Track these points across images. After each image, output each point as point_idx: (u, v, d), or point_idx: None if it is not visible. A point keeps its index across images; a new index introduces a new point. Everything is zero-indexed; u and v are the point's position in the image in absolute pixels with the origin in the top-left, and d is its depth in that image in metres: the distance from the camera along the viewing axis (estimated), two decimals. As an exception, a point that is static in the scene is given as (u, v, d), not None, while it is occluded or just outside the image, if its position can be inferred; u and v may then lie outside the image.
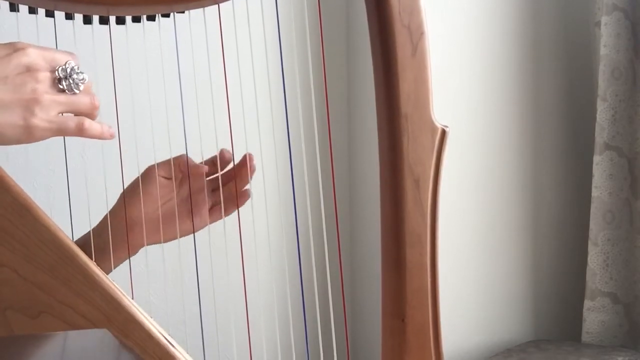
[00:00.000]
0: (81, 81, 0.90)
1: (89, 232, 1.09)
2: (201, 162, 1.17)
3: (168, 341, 0.99)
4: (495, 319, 2.06)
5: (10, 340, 0.82)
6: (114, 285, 0.98)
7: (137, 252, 1.13)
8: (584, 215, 2.03)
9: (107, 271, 1.07)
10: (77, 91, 0.90)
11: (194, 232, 1.15)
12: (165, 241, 1.14)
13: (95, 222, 1.10)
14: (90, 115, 0.92)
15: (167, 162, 1.15)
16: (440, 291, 0.98)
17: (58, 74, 0.89)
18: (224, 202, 1.15)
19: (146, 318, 0.98)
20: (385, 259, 0.97)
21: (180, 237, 1.14)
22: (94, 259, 1.00)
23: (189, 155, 1.14)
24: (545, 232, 2.12)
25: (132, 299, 1.00)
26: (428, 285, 0.97)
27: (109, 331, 0.91)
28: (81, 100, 0.91)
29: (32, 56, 0.88)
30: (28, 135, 0.87)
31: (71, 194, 1.04)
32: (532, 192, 2.09)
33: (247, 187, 1.16)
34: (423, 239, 0.97)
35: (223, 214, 1.15)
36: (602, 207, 1.96)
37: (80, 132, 0.90)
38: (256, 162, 1.15)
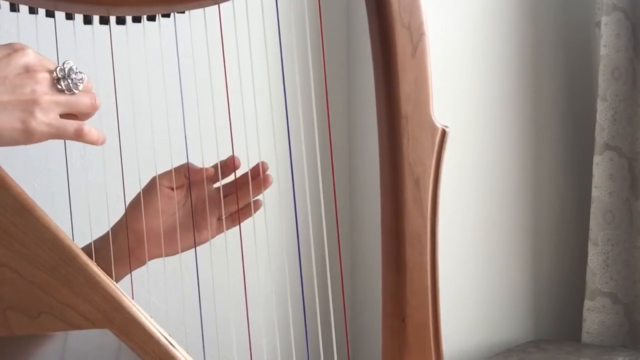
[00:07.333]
0: (79, 81, 0.89)
1: (100, 238, 1.08)
2: (211, 166, 1.14)
3: (168, 341, 0.98)
4: (495, 319, 2.06)
5: (11, 341, 0.82)
6: (115, 285, 0.98)
7: (145, 264, 1.12)
8: (584, 215, 2.03)
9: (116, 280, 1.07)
10: (76, 91, 0.89)
11: (210, 240, 1.13)
12: (176, 254, 1.12)
13: (95, 222, 1.10)
14: (90, 115, 0.92)
15: (170, 171, 1.12)
16: (440, 291, 0.98)
17: (56, 74, 0.88)
18: (233, 212, 1.13)
19: (146, 318, 0.98)
20: (385, 259, 0.97)
21: (197, 246, 1.12)
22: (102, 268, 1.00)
23: (189, 156, 1.13)
24: (545, 232, 2.12)
25: (133, 299, 1.00)
26: (428, 285, 0.97)
27: (109, 331, 0.91)
28: (81, 100, 0.90)
29: (31, 57, 0.87)
30: (26, 137, 0.86)
31: (71, 194, 1.04)
32: (532, 192, 2.09)
33: (259, 196, 1.13)
34: (423, 239, 0.97)
35: (240, 219, 1.13)
36: (602, 207, 1.96)
37: (78, 137, 0.90)
38: (256, 161, 1.14)
